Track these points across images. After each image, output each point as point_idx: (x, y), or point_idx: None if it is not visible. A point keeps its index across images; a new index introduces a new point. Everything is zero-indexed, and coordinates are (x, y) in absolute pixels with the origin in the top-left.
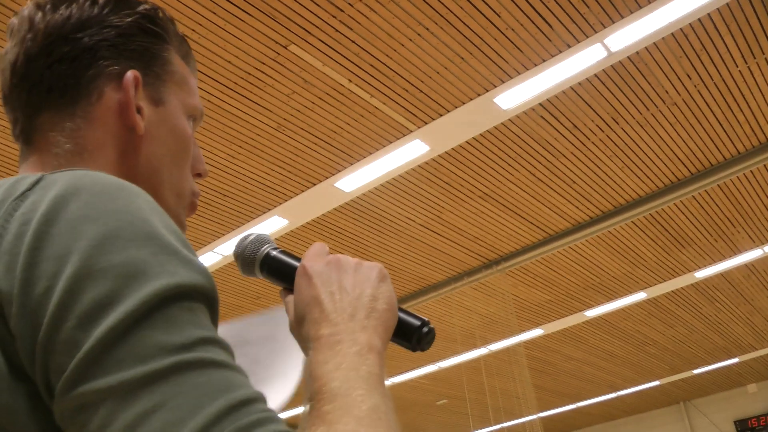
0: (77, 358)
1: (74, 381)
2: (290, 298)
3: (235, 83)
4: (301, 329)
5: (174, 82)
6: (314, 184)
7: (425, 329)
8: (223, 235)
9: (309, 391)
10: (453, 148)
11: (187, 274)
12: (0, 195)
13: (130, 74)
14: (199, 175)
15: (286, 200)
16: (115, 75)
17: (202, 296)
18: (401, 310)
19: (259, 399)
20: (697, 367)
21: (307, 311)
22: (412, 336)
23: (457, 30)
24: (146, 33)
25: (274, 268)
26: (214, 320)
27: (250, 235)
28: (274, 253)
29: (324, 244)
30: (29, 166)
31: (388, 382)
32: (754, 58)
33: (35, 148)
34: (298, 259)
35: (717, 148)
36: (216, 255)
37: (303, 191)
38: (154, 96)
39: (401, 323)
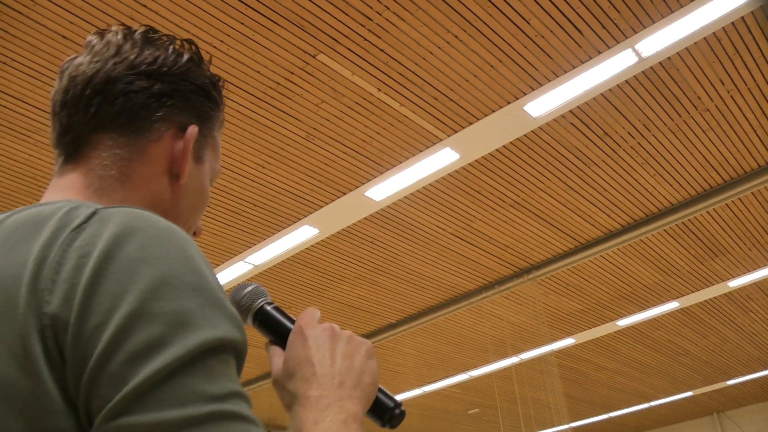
0: (123, 392)
1: (118, 412)
2: (275, 350)
3: (264, 93)
4: (288, 384)
5: (212, 147)
6: (344, 193)
7: (397, 411)
8: (254, 244)
9: None
10: (483, 156)
11: (228, 328)
12: (55, 223)
13: (194, 129)
14: (194, 234)
15: (317, 209)
16: (177, 123)
17: (235, 350)
18: (379, 389)
19: None
20: (730, 378)
21: (298, 369)
22: (384, 414)
23: (486, 37)
24: (209, 98)
25: (266, 322)
26: (239, 370)
27: (248, 285)
28: (268, 308)
29: (316, 310)
30: (70, 183)
31: (420, 391)
32: None
33: (80, 164)
34: (289, 318)
35: (750, 154)
36: (247, 264)
37: (333, 200)
38: (198, 153)
39: (378, 401)
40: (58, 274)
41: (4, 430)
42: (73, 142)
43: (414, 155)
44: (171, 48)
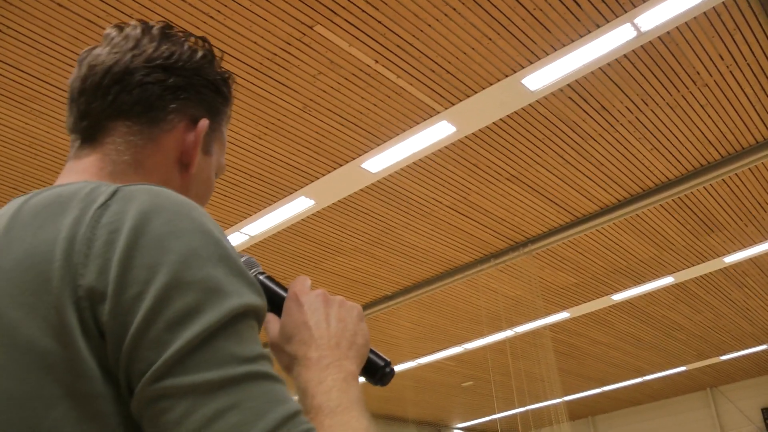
0: (165, 356)
1: (161, 375)
2: (270, 317)
3: (261, 64)
4: (287, 346)
5: (219, 141)
6: (341, 165)
7: (387, 369)
8: (250, 215)
9: (305, 404)
10: (480, 129)
11: (251, 296)
12: (80, 202)
13: (205, 122)
14: None
15: (313, 181)
16: (189, 116)
17: (257, 315)
18: (370, 349)
19: (301, 411)
20: (724, 354)
21: (295, 332)
22: (376, 373)
23: (485, 10)
24: (220, 93)
25: None
26: (259, 332)
27: (241, 257)
28: (261, 277)
29: (307, 277)
30: (86, 165)
31: (414, 363)
32: None
33: (96, 148)
34: (281, 286)
35: (749, 130)
36: (243, 235)
37: (329, 172)
38: (206, 146)
39: (369, 361)
40: (91, 249)
41: (45, 395)
42: (90, 127)
43: (411, 128)
44: (186, 44)
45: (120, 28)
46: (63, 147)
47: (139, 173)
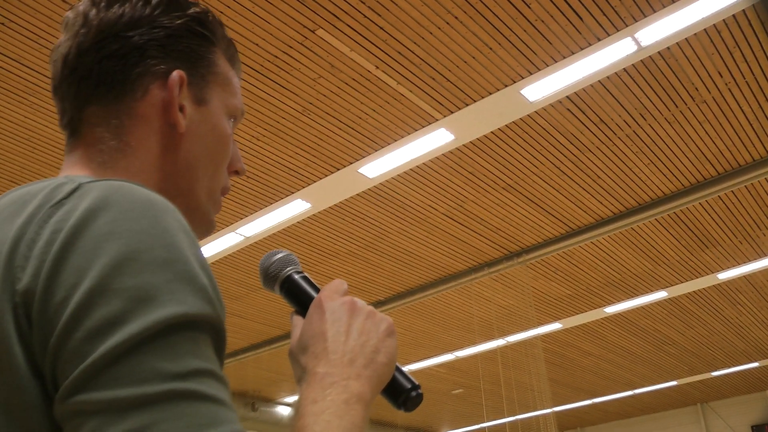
0: (79, 369)
1: (74, 389)
2: (298, 321)
3: (262, 66)
4: (301, 357)
5: (217, 83)
6: (338, 169)
7: (414, 393)
8: (246, 216)
9: (293, 424)
10: (478, 138)
11: (196, 303)
12: (39, 200)
13: (176, 74)
14: (236, 172)
15: (310, 184)
16: (161, 74)
17: (208, 326)
18: (398, 369)
19: None
20: (715, 370)
21: (311, 343)
22: (400, 396)
23: (486, 20)
24: (194, 35)
25: (292, 292)
26: (219, 349)
27: (279, 252)
28: (296, 276)
29: (343, 282)
30: (75, 159)
31: (405, 369)
32: None
33: (82, 142)
34: (316, 288)
35: (746, 148)
36: (238, 236)
37: (326, 176)
38: (197, 96)
39: (394, 381)
40: (32, 251)
41: None
42: (70, 122)
43: (409, 134)
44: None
45: (73, 8)
46: (62, 141)
47: (127, 154)
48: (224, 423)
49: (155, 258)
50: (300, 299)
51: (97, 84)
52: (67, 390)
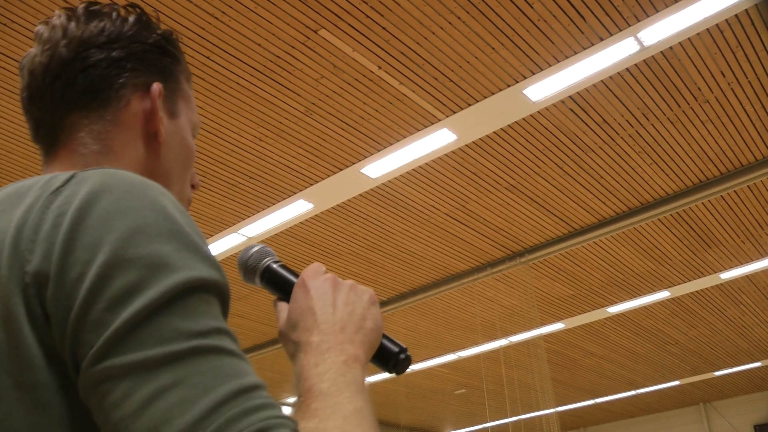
0: (105, 336)
1: (101, 356)
2: (282, 306)
3: (264, 66)
4: (292, 334)
5: (183, 99)
6: (340, 170)
7: (402, 356)
8: (248, 216)
9: (298, 389)
10: (480, 138)
11: (205, 269)
12: (36, 191)
13: (157, 86)
14: (193, 186)
15: (312, 184)
16: (141, 85)
17: (216, 290)
18: (384, 335)
19: (262, 386)
20: (718, 369)
21: (300, 319)
22: (389, 360)
23: (489, 20)
24: (165, 52)
25: (273, 280)
26: (225, 312)
27: (255, 246)
28: (275, 266)
29: (321, 264)
30: (57, 166)
31: (408, 369)
32: None
33: (62, 148)
34: (295, 274)
35: (748, 147)
36: (240, 236)
37: (329, 176)
38: (170, 109)
39: (382, 347)
40: (38, 234)
41: None
42: (49, 132)
43: (411, 134)
44: (115, 14)
45: (46, 22)
46: None
47: (110, 159)
48: (247, 374)
49: (162, 230)
50: (281, 286)
51: (83, 92)
52: (93, 358)
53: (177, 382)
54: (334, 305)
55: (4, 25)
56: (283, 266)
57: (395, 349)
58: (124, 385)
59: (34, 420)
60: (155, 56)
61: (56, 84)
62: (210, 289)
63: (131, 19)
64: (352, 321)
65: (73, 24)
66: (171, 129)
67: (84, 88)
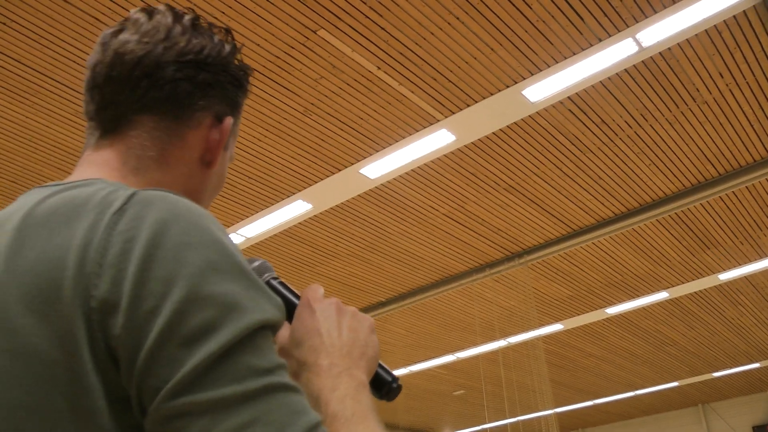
0: (182, 373)
1: (177, 392)
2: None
3: (264, 66)
4: (296, 351)
5: (234, 135)
6: (339, 170)
7: (394, 385)
8: (248, 217)
9: (319, 413)
10: (479, 139)
11: (270, 310)
12: (96, 207)
13: (229, 121)
14: None
15: (311, 185)
16: (214, 113)
17: (273, 328)
18: (379, 364)
19: (322, 421)
20: (717, 370)
21: (306, 338)
22: (382, 387)
23: (488, 20)
24: (242, 89)
25: None
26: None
27: (255, 261)
28: (274, 282)
29: (320, 286)
30: (106, 157)
31: (406, 370)
32: None
33: (120, 139)
34: (294, 293)
35: (746, 148)
36: (239, 237)
37: (328, 176)
38: (227, 143)
39: (377, 374)
40: (105, 258)
41: (50, 408)
42: (114, 119)
43: (410, 135)
44: (215, 38)
45: (149, 13)
46: (63, 142)
47: (162, 169)
48: (310, 411)
49: (231, 266)
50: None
51: (166, 99)
52: (169, 393)
53: (256, 419)
54: (339, 329)
55: (4, 24)
56: (282, 283)
57: (389, 378)
58: (203, 422)
59: None
60: (234, 90)
61: (143, 81)
62: (272, 328)
63: (227, 47)
64: (357, 346)
65: (177, 30)
66: (219, 160)
67: (167, 96)
